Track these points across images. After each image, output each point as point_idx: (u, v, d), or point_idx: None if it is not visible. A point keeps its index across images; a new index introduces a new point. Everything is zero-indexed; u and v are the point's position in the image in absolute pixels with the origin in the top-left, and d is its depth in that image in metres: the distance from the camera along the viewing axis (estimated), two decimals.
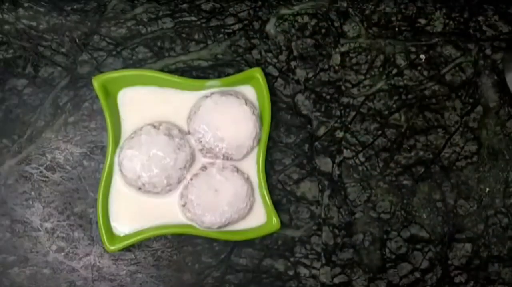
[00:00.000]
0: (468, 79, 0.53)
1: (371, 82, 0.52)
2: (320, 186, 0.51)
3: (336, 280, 0.50)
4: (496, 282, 0.51)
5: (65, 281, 0.49)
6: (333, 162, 0.51)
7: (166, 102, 0.49)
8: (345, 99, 0.52)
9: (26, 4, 0.51)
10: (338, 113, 0.52)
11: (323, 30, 0.52)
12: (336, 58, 0.52)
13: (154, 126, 0.47)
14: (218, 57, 0.52)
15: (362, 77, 0.52)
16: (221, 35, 0.52)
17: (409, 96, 0.52)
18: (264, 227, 0.49)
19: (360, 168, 0.51)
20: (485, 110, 0.52)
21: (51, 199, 0.49)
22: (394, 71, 0.52)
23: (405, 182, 0.51)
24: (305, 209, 0.51)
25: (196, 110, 0.48)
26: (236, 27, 0.52)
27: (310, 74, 0.52)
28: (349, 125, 0.52)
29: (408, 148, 0.52)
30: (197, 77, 0.51)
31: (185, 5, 0.52)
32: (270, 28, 0.52)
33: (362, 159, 0.51)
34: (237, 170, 0.48)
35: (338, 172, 0.51)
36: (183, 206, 0.48)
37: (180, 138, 0.47)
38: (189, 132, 0.49)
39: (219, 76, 0.51)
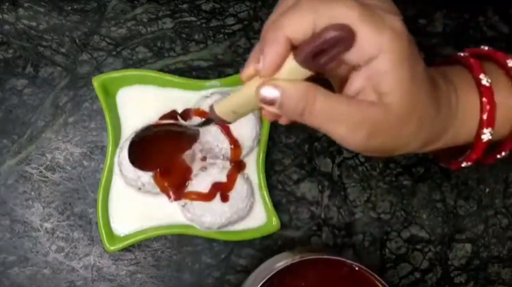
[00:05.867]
0: None
1: None
2: (320, 187, 0.51)
3: None
4: (496, 282, 0.51)
5: (65, 281, 0.49)
6: (333, 162, 0.51)
7: (166, 102, 0.49)
8: None
9: (26, 4, 0.51)
10: None
11: None
12: None
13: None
14: (218, 58, 0.51)
15: None
16: (221, 36, 0.52)
17: None
18: (264, 227, 0.49)
19: (360, 168, 0.51)
20: None
21: (51, 199, 0.49)
22: None
23: (405, 182, 0.51)
24: (305, 209, 0.51)
25: None
26: (236, 27, 0.52)
27: None
28: None
29: None
30: (197, 77, 0.51)
31: (185, 5, 0.52)
32: None
33: (362, 159, 0.51)
34: (237, 170, 0.48)
35: (338, 172, 0.51)
36: (183, 206, 0.48)
37: None
38: None
39: (219, 77, 0.51)
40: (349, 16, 0.30)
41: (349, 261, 0.41)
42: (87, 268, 0.49)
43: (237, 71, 0.51)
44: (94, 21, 0.51)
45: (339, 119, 0.32)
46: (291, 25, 0.31)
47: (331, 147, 0.51)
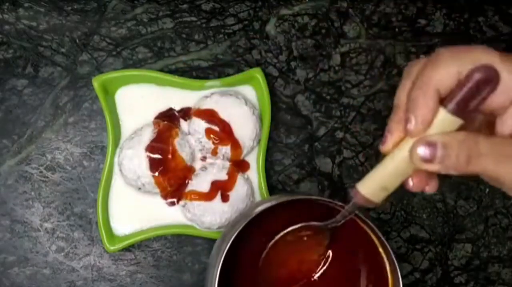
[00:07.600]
0: None
1: (371, 83, 0.52)
2: (320, 187, 0.51)
3: None
4: (496, 282, 0.51)
5: (65, 281, 0.49)
6: (333, 162, 0.51)
7: (166, 102, 0.49)
8: (345, 100, 0.52)
9: (26, 4, 0.51)
10: (338, 113, 0.52)
11: (323, 31, 0.52)
12: (336, 59, 0.52)
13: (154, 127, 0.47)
14: (218, 58, 0.51)
15: (362, 77, 0.52)
16: (221, 36, 0.52)
17: None
18: None
19: (360, 168, 0.51)
20: None
21: (51, 199, 0.49)
22: (394, 71, 0.52)
23: None
24: None
25: None
26: (236, 27, 0.52)
27: (310, 75, 0.52)
28: (349, 126, 0.52)
29: None
30: (197, 77, 0.51)
31: (185, 6, 0.52)
32: (270, 28, 0.52)
33: (362, 159, 0.51)
34: (237, 170, 0.48)
35: (338, 173, 0.51)
36: (183, 206, 0.48)
37: (180, 138, 0.47)
38: (189, 133, 0.49)
39: (219, 77, 0.51)
40: (490, 59, 0.30)
41: (324, 199, 0.39)
42: (87, 268, 0.49)
43: (237, 71, 0.51)
44: (94, 21, 0.51)
45: (509, 158, 0.31)
46: (437, 77, 0.31)
47: (331, 147, 0.51)
